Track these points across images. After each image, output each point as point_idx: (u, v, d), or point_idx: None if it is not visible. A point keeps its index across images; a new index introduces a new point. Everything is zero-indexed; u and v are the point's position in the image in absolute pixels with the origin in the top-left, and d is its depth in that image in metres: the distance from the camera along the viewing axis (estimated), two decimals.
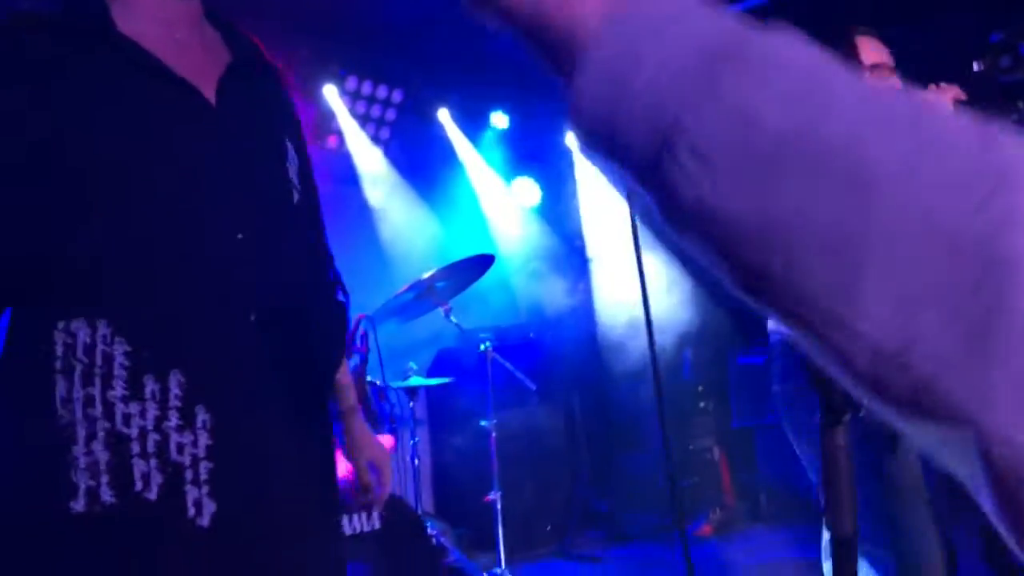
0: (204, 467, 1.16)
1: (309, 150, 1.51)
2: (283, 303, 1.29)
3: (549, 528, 5.03)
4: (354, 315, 3.48)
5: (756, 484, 5.29)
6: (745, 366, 5.30)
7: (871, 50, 2.29)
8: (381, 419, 3.33)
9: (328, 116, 4.61)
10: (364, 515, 3.01)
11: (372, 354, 3.42)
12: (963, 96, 2.20)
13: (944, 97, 2.17)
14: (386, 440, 3.47)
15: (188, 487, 1.14)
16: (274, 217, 1.32)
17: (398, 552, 3.05)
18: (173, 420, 1.14)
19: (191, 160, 1.22)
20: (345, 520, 2.97)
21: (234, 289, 1.23)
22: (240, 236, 1.23)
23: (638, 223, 1.27)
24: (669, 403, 5.34)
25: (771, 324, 2.30)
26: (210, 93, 1.26)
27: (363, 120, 4.77)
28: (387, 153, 4.93)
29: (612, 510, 5.22)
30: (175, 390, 1.15)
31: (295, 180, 1.37)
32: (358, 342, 3.38)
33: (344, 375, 1.56)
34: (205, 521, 1.14)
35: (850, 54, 2.28)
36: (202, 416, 1.16)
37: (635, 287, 5.39)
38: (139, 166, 1.17)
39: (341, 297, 1.54)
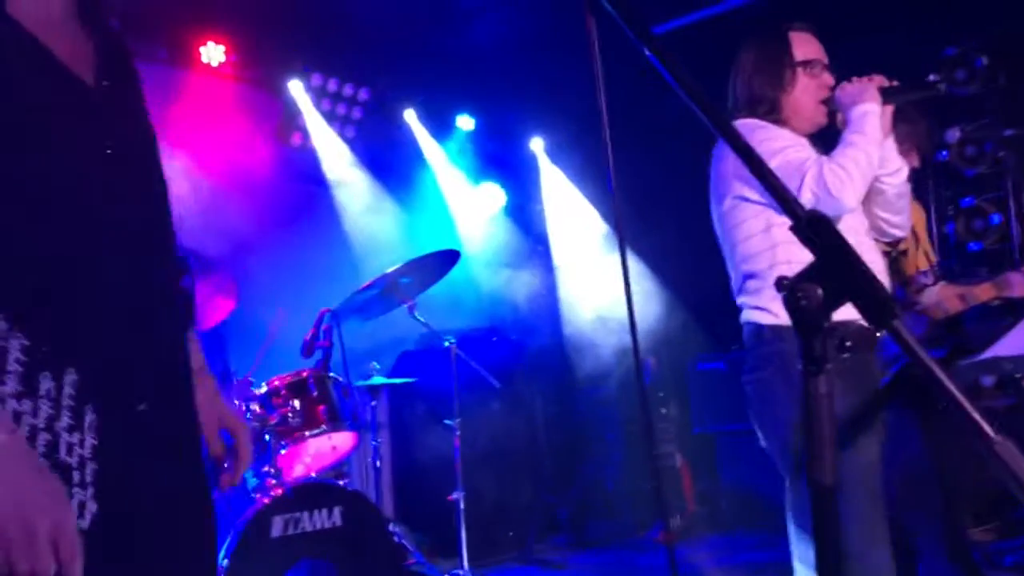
0: (90, 468, 1.12)
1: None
2: (166, 296, 1.28)
3: (511, 534, 4.99)
4: (318, 310, 3.44)
5: (717, 490, 5.31)
6: (705, 372, 5.33)
7: (804, 46, 2.36)
8: (343, 416, 3.27)
9: (293, 112, 4.56)
10: (326, 512, 2.95)
11: (335, 350, 3.37)
12: (887, 83, 2.26)
13: (871, 85, 2.23)
14: (347, 438, 3.42)
15: (75, 490, 1.10)
16: (157, 207, 1.31)
17: (360, 550, 2.99)
18: (65, 420, 1.10)
19: (81, 149, 1.20)
20: (306, 516, 2.91)
21: (128, 281, 1.21)
22: (132, 225, 1.22)
23: (619, 229, 1.26)
24: (632, 410, 5.37)
25: (744, 315, 2.31)
26: (88, 79, 1.24)
27: (329, 118, 4.72)
28: (353, 151, 4.89)
29: (575, 516, 5.20)
30: (69, 389, 1.11)
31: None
32: (321, 337, 3.33)
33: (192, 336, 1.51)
34: (85, 523, 1.10)
35: (785, 51, 2.34)
36: (90, 416, 1.13)
37: (598, 291, 5.42)
38: (28, 153, 1.14)
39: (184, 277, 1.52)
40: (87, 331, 1.15)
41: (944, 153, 4.77)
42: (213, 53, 4.08)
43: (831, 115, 2.34)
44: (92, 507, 1.11)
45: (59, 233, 1.14)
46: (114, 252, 1.20)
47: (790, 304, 0.96)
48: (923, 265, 3.50)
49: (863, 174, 2.12)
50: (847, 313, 2.27)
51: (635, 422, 5.37)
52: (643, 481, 5.29)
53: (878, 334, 2.29)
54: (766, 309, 2.22)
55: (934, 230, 4.92)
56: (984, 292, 3.40)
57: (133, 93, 1.34)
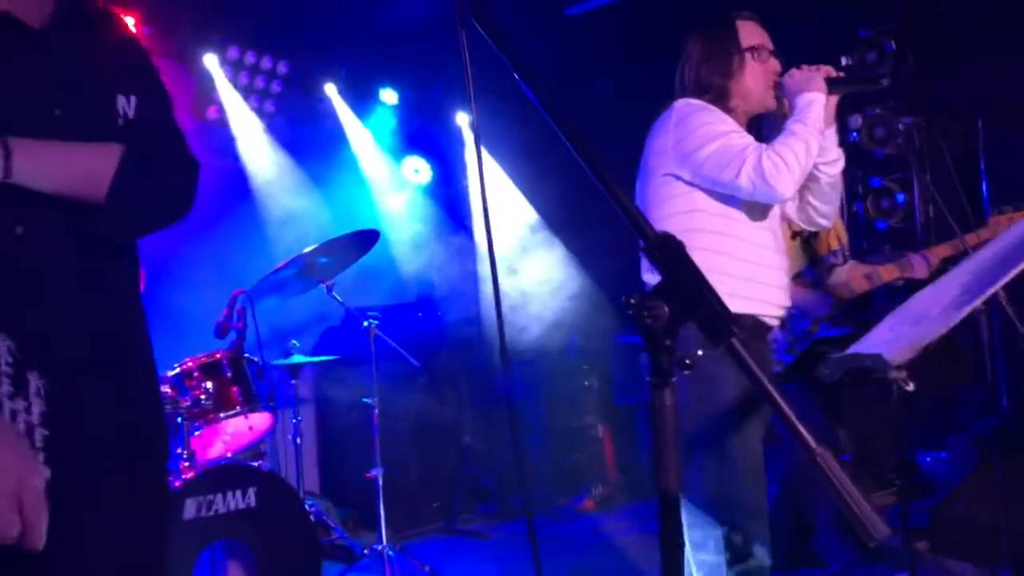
0: (39, 434, 1.14)
1: (168, 101, 1.51)
2: (105, 259, 1.28)
3: (435, 505, 5.07)
4: (232, 291, 3.41)
5: (638, 460, 5.46)
6: (625, 345, 5.45)
7: (751, 33, 2.38)
8: (258, 397, 3.27)
9: (208, 86, 4.45)
10: (240, 493, 2.97)
11: (250, 331, 3.35)
12: (834, 74, 2.30)
13: (818, 74, 2.27)
14: (263, 418, 3.42)
15: None
16: None
17: (275, 529, 3.02)
18: (5, 386, 1.12)
19: (15, 97, 1.20)
20: (219, 498, 2.92)
21: (57, 245, 1.22)
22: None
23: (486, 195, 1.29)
24: (556, 382, 5.47)
25: None
26: (34, 23, 1.26)
27: (247, 92, 4.63)
28: (272, 126, 4.80)
29: (499, 487, 5.29)
30: (5, 356, 1.11)
31: (130, 112, 1.36)
32: (235, 318, 3.31)
33: None
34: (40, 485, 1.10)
35: (732, 38, 2.36)
36: (35, 383, 1.14)
37: (519, 267, 5.47)
38: None
39: None
40: (17, 298, 1.15)
41: (854, 135, 4.92)
42: None
43: (778, 99, 2.36)
44: (45, 472, 1.12)
45: None
46: (45, 206, 1.20)
47: (637, 321, 1.01)
48: (834, 245, 3.62)
49: (801, 165, 2.14)
50: (749, 307, 2.34)
51: (557, 394, 5.47)
52: (566, 451, 5.41)
53: (775, 323, 2.38)
54: None
55: (844, 208, 5.10)
56: (888, 273, 3.55)
57: (97, 39, 1.35)
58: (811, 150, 2.17)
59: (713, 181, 2.22)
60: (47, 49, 1.27)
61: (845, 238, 3.69)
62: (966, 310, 1.46)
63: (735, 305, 2.23)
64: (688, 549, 2.26)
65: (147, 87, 1.42)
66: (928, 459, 4.47)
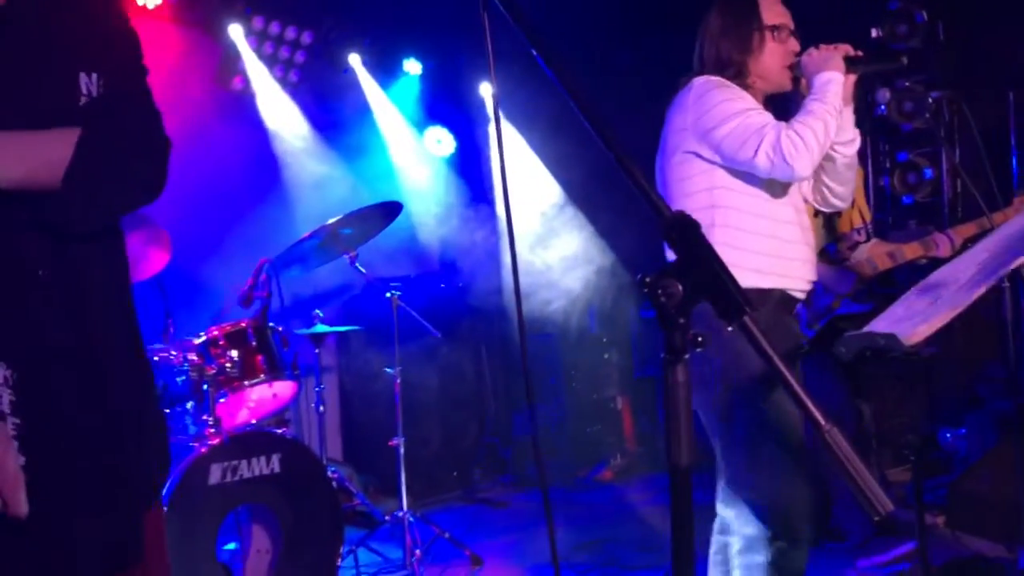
0: (11, 422, 1.15)
1: (136, 68, 1.41)
2: (78, 246, 1.26)
3: (455, 474, 5.14)
4: (256, 260, 3.46)
5: (656, 432, 5.49)
6: (646, 319, 5.47)
7: (772, 10, 2.37)
8: (282, 365, 3.32)
9: (233, 57, 4.48)
10: (264, 459, 3.03)
11: (274, 300, 3.40)
12: (853, 52, 2.29)
13: (837, 53, 2.26)
14: (287, 387, 3.48)
15: None
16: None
17: (298, 494, 3.09)
18: None
19: None
20: (244, 464, 2.99)
21: (20, 234, 1.20)
22: None
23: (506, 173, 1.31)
24: (576, 355, 5.50)
25: None
26: None
27: (271, 61, 4.65)
28: (296, 96, 4.83)
29: (518, 457, 5.35)
30: None
31: (93, 90, 1.29)
32: (260, 287, 3.36)
33: None
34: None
35: (753, 14, 2.34)
36: (4, 372, 1.14)
37: (541, 239, 5.48)
38: None
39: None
40: None
41: (882, 108, 4.85)
42: None
43: (795, 80, 2.36)
44: (19, 459, 1.13)
45: None
46: (4, 195, 1.17)
47: (651, 299, 1.03)
48: (857, 222, 3.60)
49: (820, 144, 2.14)
50: (774, 282, 2.35)
51: (578, 367, 5.50)
52: (585, 423, 5.45)
53: (802, 296, 2.39)
54: None
55: (870, 183, 5.05)
56: (911, 251, 3.53)
57: (60, 12, 1.28)
58: (829, 129, 2.17)
59: (731, 159, 2.22)
60: (2, 25, 1.20)
61: (869, 215, 3.67)
62: (980, 290, 1.46)
63: (761, 281, 2.26)
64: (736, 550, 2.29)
65: (115, 63, 1.34)
66: (948, 435, 4.46)
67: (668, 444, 1.04)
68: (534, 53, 1.13)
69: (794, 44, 2.36)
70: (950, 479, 3.94)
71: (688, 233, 1.03)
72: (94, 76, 1.28)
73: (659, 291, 1.02)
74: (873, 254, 3.56)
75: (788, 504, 2.23)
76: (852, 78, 2.28)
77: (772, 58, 2.33)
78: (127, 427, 1.32)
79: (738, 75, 2.32)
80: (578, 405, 5.46)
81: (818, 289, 3.48)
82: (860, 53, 2.29)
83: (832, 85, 2.20)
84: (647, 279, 1.03)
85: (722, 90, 2.25)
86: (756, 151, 2.14)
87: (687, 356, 1.04)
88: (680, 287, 1.02)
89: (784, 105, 2.44)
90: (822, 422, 0.95)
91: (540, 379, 5.46)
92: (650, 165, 2.45)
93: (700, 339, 1.00)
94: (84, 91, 1.27)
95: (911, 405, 4.92)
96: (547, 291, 5.36)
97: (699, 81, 2.30)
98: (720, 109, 2.21)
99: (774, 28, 2.33)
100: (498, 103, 1.28)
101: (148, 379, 1.43)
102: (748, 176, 2.24)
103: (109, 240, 1.37)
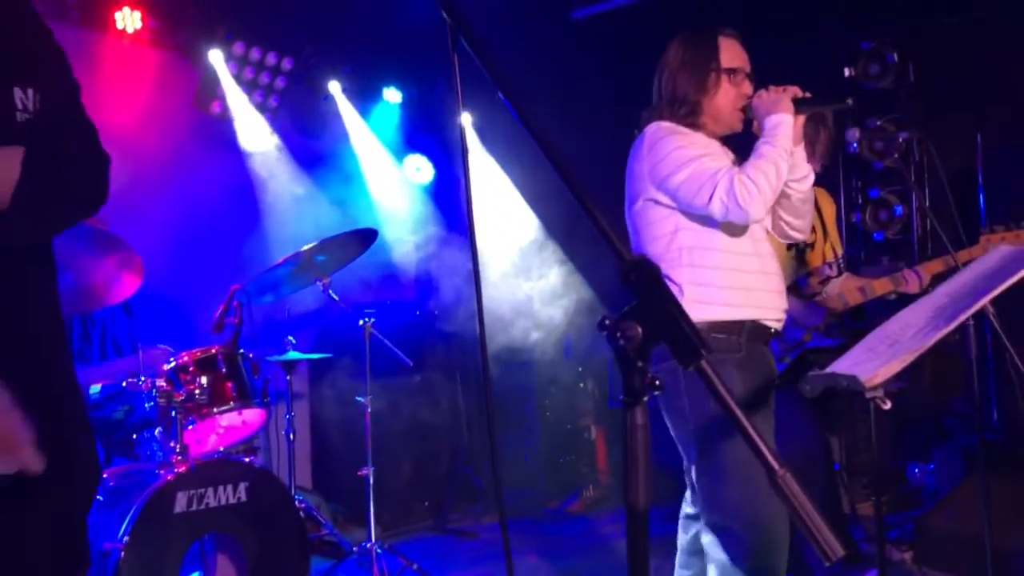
0: None
1: (75, 81, 1.43)
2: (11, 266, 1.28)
3: (427, 504, 5.10)
4: (229, 286, 3.44)
5: None
6: None
7: (731, 53, 2.43)
8: (252, 393, 3.30)
9: (212, 81, 4.48)
10: (231, 488, 3.00)
11: (245, 326, 3.38)
12: (801, 94, 2.35)
13: (786, 95, 2.32)
14: (257, 414, 3.45)
15: None
16: None
17: (264, 524, 3.05)
18: None
19: None
20: (211, 492, 2.95)
21: None
22: None
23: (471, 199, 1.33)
24: (551, 384, 5.50)
25: None
26: None
27: (251, 87, 4.65)
28: (275, 122, 4.83)
29: (491, 487, 5.31)
30: None
31: (29, 105, 1.30)
32: (231, 313, 3.34)
33: None
34: None
35: (712, 55, 2.40)
36: None
37: (517, 267, 5.50)
38: None
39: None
40: None
41: (855, 146, 4.94)
42: (129, 20, 3.98)
43: (747, 122, 2.43)
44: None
45: None
46: None
47: (610, 342, 1.04)
48: (829, 256, 3.65)
49: (772, 187, 2.21)
50: (745, 313, 2.38)
51: (552, 396, 5.50)
52: (559, 453, 5.44)
53: (773, 328, 2.42)
54: None
55: (843, 218, 5.12)
56: (881, 286, 3.58)
57: None
58: (781, 171, 2.24)
59: (688, 205, 2.30)
60: None
61: (840, 250, 3.72)
62: (939, 335, 1.49)
63: (733, 313, 2.30)
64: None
65: (49, 79, 1.34)
66: (916, 470, 4.49)
67: (626, 486, 1.04)
68: (501, 96, 1.14)
69: (747, 88, 2.44)
70: (918, 514, 3.96)
71: (647, 276, 1.04)
72: (29, 91, 1.29)
73: (617, 333, 1.03)
74: (844, 289, 3.60)
75: (764, 535, 2.25)
76: (801, 118, 2.36)
77: (725, 99, 2.40)
78: (58, 455, 1.31)
79: (691, 113, 2.38)
80: (552, 434, 5.44)
81: (789, 322, 3.51)
82: (808, 95, 2.36)
83: (782, 127, 2.28)
84: (606, 321, 1.04)
85: (674, 137, 2.32)
86: (711, 197, 2.21)
87: (645, 399, 1.05)
88: (640, 330, 1.03)
89: (740, 145, 2.50)
90: (775, 467, 0.96)
91: (514, 407, 5.45)
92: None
93: (658, 382, 1.01)
94: (19, 106, 1.28)
95: (879, 439, 4.96)
96: (524, 321, 5.36)
97: (651, 129, 2.37)
98: (674, 157, 2.28)
99: (731, 71, 2.40)
100: (464, 136, 1.30)
101: (77, 403, 1.44)
102: (707, 217, 2.29)
103: (43, 259, 1.39)
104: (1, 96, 1.27)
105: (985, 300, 1.55)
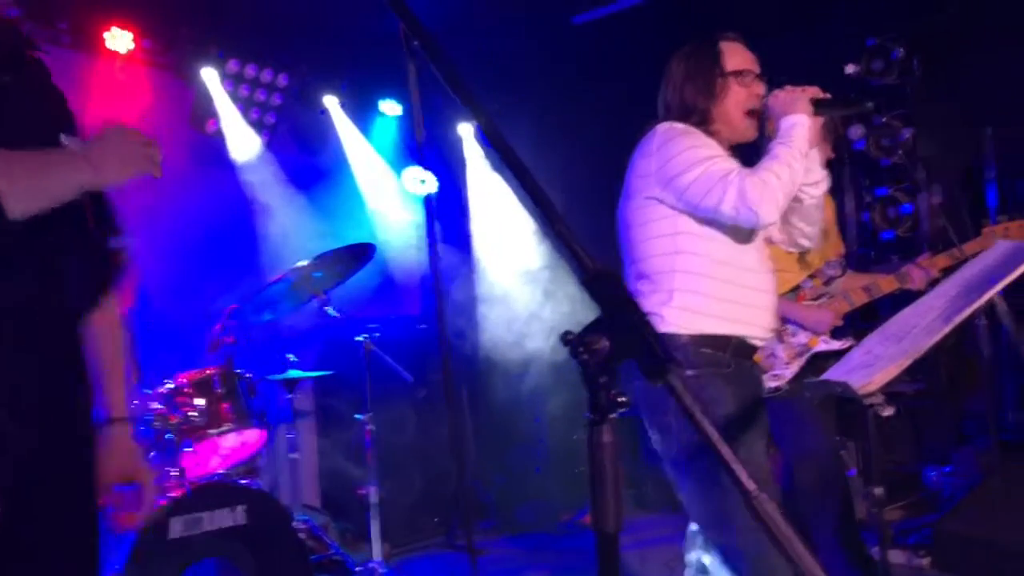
0: None
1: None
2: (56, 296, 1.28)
3: (436, 520, 5.04)
4: (227, 305, 3.41)
5: (641, 473, 5.40)
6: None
7: (735, 56, 2.34)
8: (249, 414, 3.26)
9: (207, 99, 4.46)
10: (228, 511, 2.95)
11: (242, 346, 3.34)
12: (821, 95, 2.27)
13: (804, 95, 2.24)
14: (255, 435, 3.41)
15: None
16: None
17: (263, 547, 3.00)
18: None
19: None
20: (207, 516, 2.91)
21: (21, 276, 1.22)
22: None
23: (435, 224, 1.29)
24: (557, 394, 5.43)
25: None
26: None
27: (247, 105, 4.63)
28: (273, 139, 4.80)
29: (501, 501, 5.25)
30: None
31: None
32: (226, 333, 3.30)
33: (117, 378, 1.47)
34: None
35: (716, 60, 2.32)
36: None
37: (516, 280, 5.44)
38: None
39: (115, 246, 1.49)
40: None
41: (861, 143, 4.86)
42: (120, 40, 3.97)
43: (761, 126, 2.34)
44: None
45: None
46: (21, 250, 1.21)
47: (574, 357, 0.98)
48: (831, 256, 3.58)
49: (785, 190, 2.11)
50: (733, 329, 2.30)
51: (561, 407, 5.43)
52: (569, 465, 5.36)
53: (761, 344, 2.34)
54: (656, 314, 2.21)
55: (852, 217, 5.03)
56: (887, 284, 3.50)
57: (38, 84, 1.34)
58: (795, 174, 2.14)
59: (695, 206, 2.18)
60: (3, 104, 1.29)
61: (843, 249, 3.65)
62: (934, 338, 1.42)
63: (720, 327, 2.21)
64: None
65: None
66: (932, 474, 4.39)
67: (593, 509, 0.98)
68: (475, 124, 1.10)
69: (759, 87, 2.34)
70: (935, 518, 3.87)
71: (611, 288, 0.98)
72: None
73: (581, 349, 0.97)
74: (848, 288, 3.52)
75: (762, 551, 2.16)
76: (819, 120, 2.26)
77: (736, 103, 2.31)
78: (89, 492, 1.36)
79: (702, 122, 2.29)
80: (561, 447, 5.37)
81: (795, 326, 3.43)
82: (828, 95, 2.27)
83: (798, 128, 2.18)
84: (570, 335, 0.99)
85: (686, 137, 2.22)
86: (721, 199, 2.10)
87: (612, 416, 0.99)
88: (606, 344, 0.97)
89: (753, 151, 2.42)
90: (750, 488, 0.89)
91: (524, 420, 5.38)
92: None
93: (623, 399, 0.95)
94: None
95: (898, 442, 4.86)
96: (532, 332, 5.31)
97: (663, 127, 2.27)
98: (684, 156, 2.18)
99: (738, 73, 2.32)
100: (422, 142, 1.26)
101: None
102: (712, 222, 2.20)
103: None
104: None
105: (983, 300, 1.48)
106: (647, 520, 5.15)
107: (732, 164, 2.19)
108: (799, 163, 2.15)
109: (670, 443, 2.20)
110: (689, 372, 2.16)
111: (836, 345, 3.46)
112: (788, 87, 2.26)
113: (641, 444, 5.32)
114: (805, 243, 2.48)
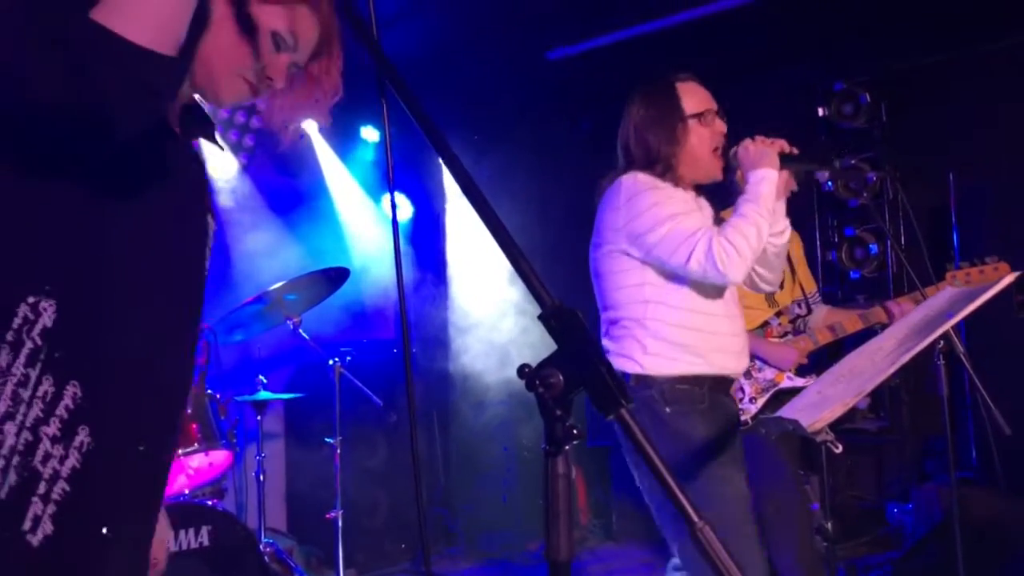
0: (59, 487, 1.11)
1: None
2: (187, 346, 1.31)
3: (403, 546, 5.02)
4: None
5: (609, 503, 5.43)
6: None
7: (692, 97, 2.38)
8: (217, 434, 3.25)
9: None
10: (192, 532, 2.95)
11: (212, 366, 3.35)
12: (788, 149, 2.31)
13: (772, 149, 2.28)
14: (223, 456, 3.40)
15: (34, 499, 1.09)
16: (198, 253, 1.34)
17: (227, 569, 2.99)
18: (52, 427, 1.10)
19: (164, 185, 1.24)
20: (170, 538, 2.89)
21: (169, 323, 1.24)
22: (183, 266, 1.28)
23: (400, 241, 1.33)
24: (526, 424, 5.45)
25: (609, 359, 2.37)
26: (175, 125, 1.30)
27: (225, 126, 4.66)
28: (251, 162, 4.83)
29: (469, 528, 5.25)
30: (67, 401, 1.10)
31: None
32: (198, 354, 3.30)
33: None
34: (36, 540, 1.08)
35: (675, 105, 2.34)
36: (83, 437, 1.12)
37: (489, 308, 5.48)
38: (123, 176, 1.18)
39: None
40: (106, 353, 1.14)
41: (830, 184, 4.97)
42: None
43: (727, 169, 2.37)
44: (47, 527, 1.09)
45: (123, 254, 1.17)
46: (169, 288, 1.24)
47: (530, 389, 1.02)
48: (798, 295, 3.65)
49: (752, 249, 2.14)
50: (706, 369, 2.33)
51: (530, 436, 5.45)
52: (537, 494, 5.37)
53: (735, 378, 2.39)
54: (630, 357, 2.27)
55: (819, 257, 5.13)
56: (852, 324, 3.57)
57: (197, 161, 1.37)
58: (762, 232, 2.17)
59: (663, 264, 2.22)
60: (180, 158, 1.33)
61: (810, 287, 3.72)
62: (882, 377, 1.48)
63: (695, 368, 2.24)
64: None
65: None
66: (895, 510, 4.45)
67: (547, 539, 1.02)
68: (425, 135, 1.14)
69: (720, 125, 2.38)
70: (897, 555, 3.92)
71: (568, 322, 1.03)
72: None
73: (537, 382, 1.01)
74: (815, 326, 3.59)
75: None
76: (785, 173, 2.30)
77: (700, 143, 2.35)
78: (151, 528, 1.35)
79: (667, 169, 2.31)
80: (529, 474, 5.38)
81: (761, 363, 3.49)
82: (795, 151, 2.31)
83: (766, 184, 2.21)
84: (526, 369, 1.03)
85: (652, 192, 2.24)
86: (688, 258, 2.14)
87: (567, 448, 1.02)
88: (561, 378, 1.01)
89: (720, 189, 2.47)
90: (694, 519, 0.93)
91: (492, 448, 5.39)
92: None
93: (576, 431, 0.99)
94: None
95: (861, 478, 4.92)
96: (501, 360, 5.33)
97: (628, 180, 2.29)
98: (651, 214, 2.21)
99: (698, 115, 2.35)
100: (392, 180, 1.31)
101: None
102: (680, 276, 2.25)
103: None
104: None
105: (926, 342, 1.54)
106: (616, 551, 5.17)
107: (699, 221, 2.23)
108: (766, 220, 2.19)
109: (643, 474, 2.24)
110: (667, 409, 2.21)
111: (800, 382, 3.52)
112: (760, 138, 2.29)
113: (611, 475, 5.39)
114: (766, 288, 2.54)
